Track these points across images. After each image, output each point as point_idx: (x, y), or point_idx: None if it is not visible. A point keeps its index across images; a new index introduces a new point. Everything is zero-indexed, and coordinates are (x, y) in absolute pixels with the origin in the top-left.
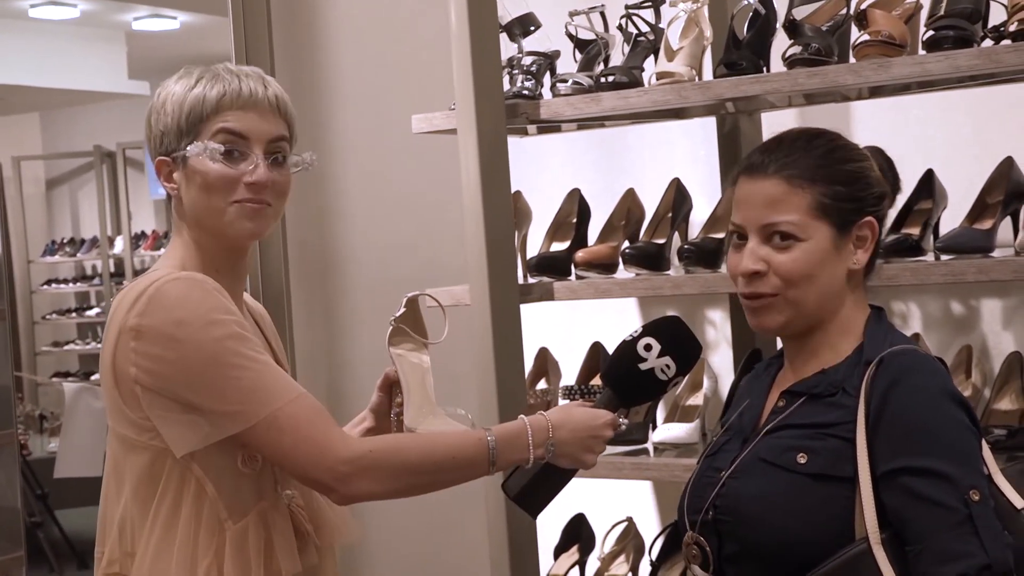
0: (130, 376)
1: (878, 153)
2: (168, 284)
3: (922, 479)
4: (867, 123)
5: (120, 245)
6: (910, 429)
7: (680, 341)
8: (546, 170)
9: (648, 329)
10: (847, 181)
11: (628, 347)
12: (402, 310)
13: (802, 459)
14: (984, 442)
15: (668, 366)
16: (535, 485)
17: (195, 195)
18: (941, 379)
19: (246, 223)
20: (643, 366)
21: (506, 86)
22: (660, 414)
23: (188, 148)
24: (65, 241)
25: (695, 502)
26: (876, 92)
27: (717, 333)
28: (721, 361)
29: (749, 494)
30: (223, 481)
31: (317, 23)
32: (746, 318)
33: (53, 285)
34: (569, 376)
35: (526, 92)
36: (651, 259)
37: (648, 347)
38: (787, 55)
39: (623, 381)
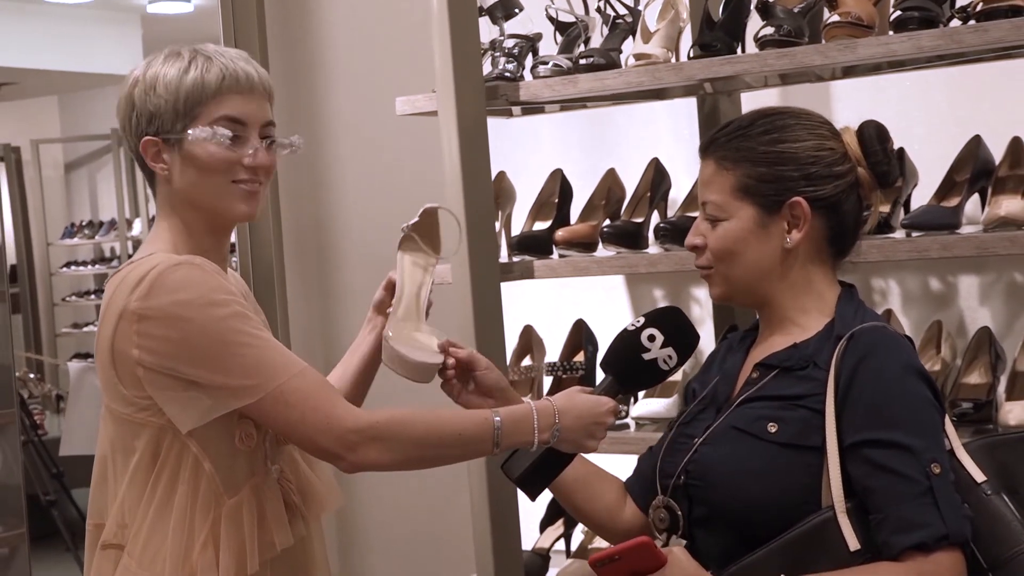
0: (132, 358)
1: (870, 126)
2: (169, 268)
3: (886, 451)
4: (845, 102)
5: (138, 227)
6: (876, 403)
7: (681, 332)
8: (531, 151)
9: (651, 320)
10: (773, 162)
11: (631, 337)
12: (415, 219)
13: (772, 428)
14: (948, 417)
15: (670, 356)
16: (537, 468)
17: (192, 176)
18: (907, 355)
19: (243, 204)
20: (646, 356)
21: (488, 68)
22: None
23: (190, 132)
24: (84, 224)
25: (667, 467)
26: (850, 72)
27: (702, 310)
28: (705, 336)
29: (721, 459)
30: (220, 458)
31: (307, 6)
32: None
33: (72, 268)
34: (554, 353)
35: (507, 74)
36: (629, 237)
37: (652, 337)
38: (759, 36)
39: (626, 370)
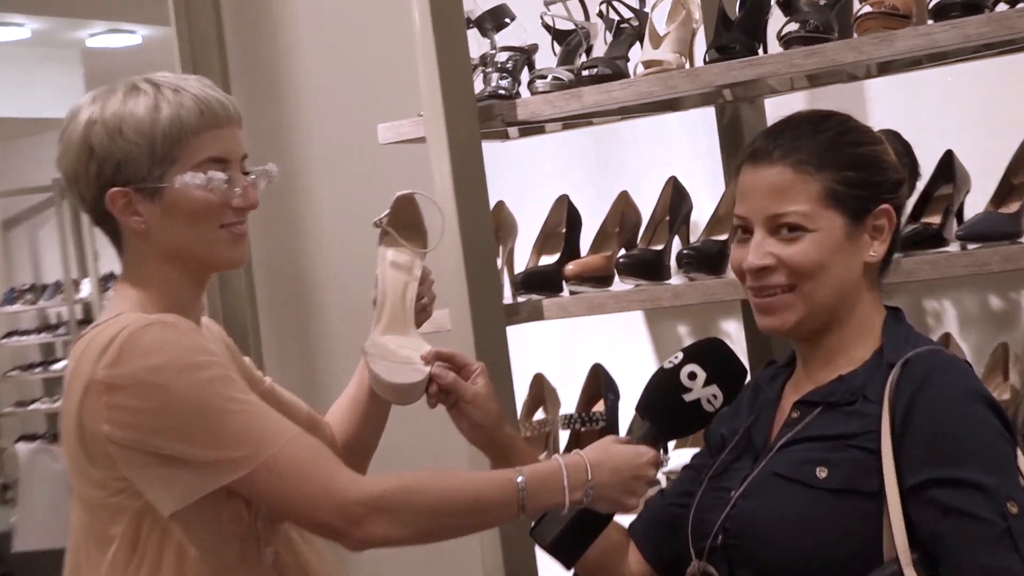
0: (101, 434)
1: (894, 137)
2: (140, 330)
3: (954, 491)
4: (882, 103)
5: (87, 289)
6: (939, 437)
7: (726, 366)
8: (532, 176)
9: (690, 355)
10: (860, 166)
11: (670, 376)
12: (387, 211)
13: (822, 473)
14: (1019, 451)
15: (715, 396)
16: (570, 532)
17: (179, 227)
18: (971, 381)
19: (234, 250)
20: (688, 397)
21: (480, 86)
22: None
23: (177, 179)
24: (25, 288)
25: (701, 527)
26: (885, 69)
27: (733, 345)
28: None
29: (764, 513)
30: (207, 542)
31: (272, 27)
32: (755, 320)
33: (15, 338)
34: (568, 403)
35: (502, 92)
36: (648, 267)
37: (692, 375)
38: (783, 34)
39: (665, 414)
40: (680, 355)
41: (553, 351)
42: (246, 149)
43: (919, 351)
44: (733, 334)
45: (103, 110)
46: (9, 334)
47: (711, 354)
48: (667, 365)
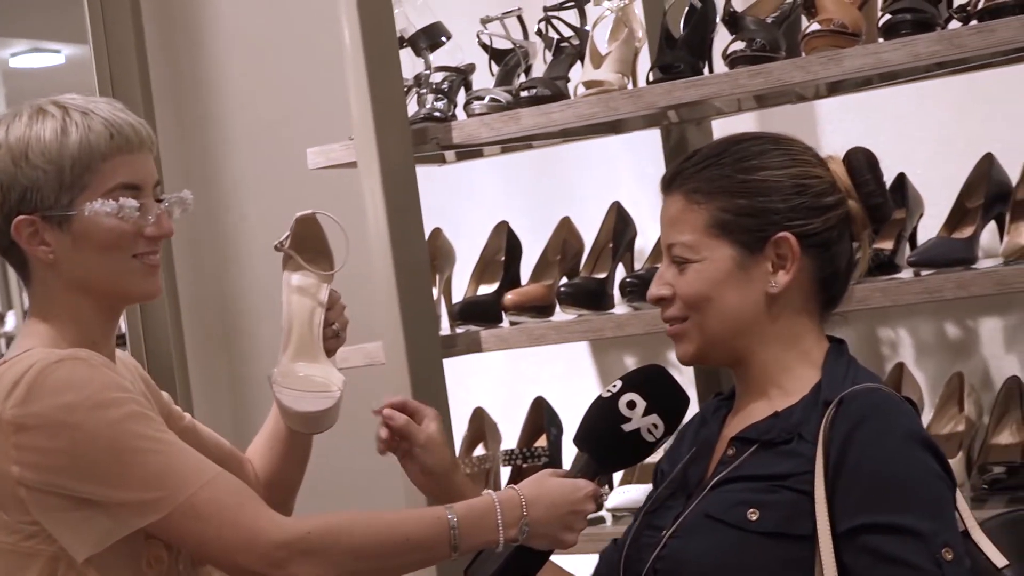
0: (12, 477)
1: (858, 153)
2: (50, 367)
3: (888, 537)
4: (834, 124)
5: (12, 322)
6: (874, 480)
7: (666, 394)
8: (470, 202)
9: (629, 383)
10: (753, 193)
11: (608, 405)
12: (287, 233)
13: (753, 515)
14: (959, 493)
15: (656, 425)
16: (505, 571)
17: (88, 257)
18: (908, 421)
19: (149, 281)
20: (627, 427)
21: (414, 108)
22: (616, 475)
23: (88, 207)
24: None
25: (633, 565)
26: (835, 89)
27: (683, 377)
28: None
29: (694, 555)
30: None
31: (197, 50)
32: None
33: None
34: (510, 439)
35: (437, 114)
36: (591, 297)
37: (631, 404)
38: (728, 53)
39: (604, 445)
40: (619, 383)
41: (494, 384)
42: (171, 173)
43: (856, 389)
44: (681, 365)
45: (7, 134)
46: None
47: (651, 382)
48: (605, 394)
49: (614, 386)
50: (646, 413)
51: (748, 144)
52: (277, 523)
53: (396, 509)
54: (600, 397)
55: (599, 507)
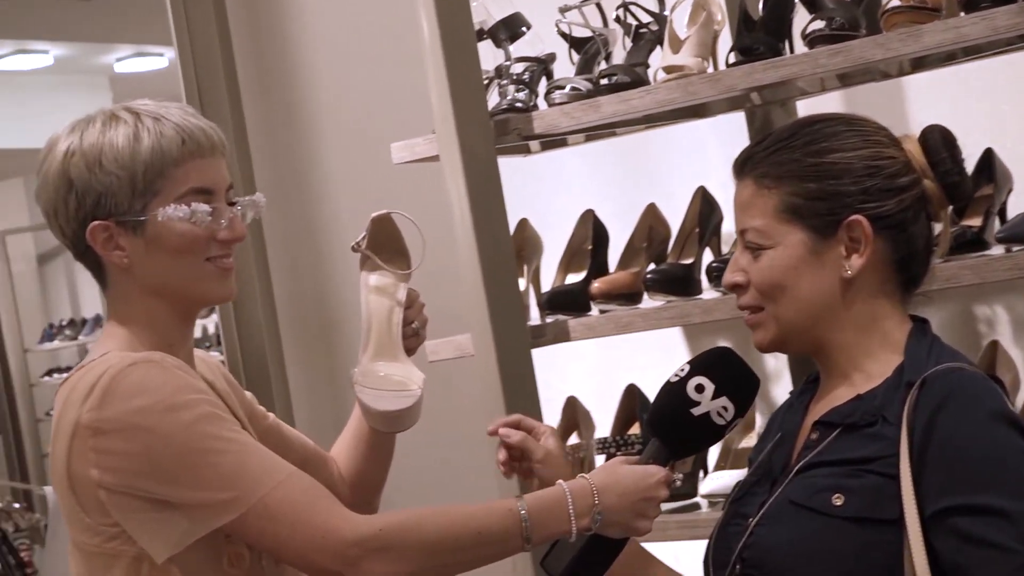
0: (92, 480)
1: (934, 132)
2: (123, 371)
3: (975, 518)
4: (921, 100)
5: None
6: (959, 460)
7: (735, 377)
8: (556, 191)
9: (697, 366)
10: (824, 176)
11: (676, 389)
12: (363, 234)
13: (838, 500)
14: None
15: (725, 408)
16: (582, 561)
17: (162, 261)
18: (993, 399)
19: (222, 284)
20: (696, 411)
21: (496, 99)
22: (711, 460)
23: (160, 212)
24: (64, 323)
25: (720, 555)
26: (919, 65)
27: (777, 361)
28: (783, 393)
29: (780, 543)
30: None
31: (282, 50)
32: None
33: (55, 376)
34: (603, 427)
35: (518, 104)
36: (678, 283)
37: (700, 388)
38: (807, 32)
39: (674, 430)
40: (686, 367)
41: (587, 373)
42: (262, 172)
43: (938, 369)
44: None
45: (82, 140)
46: (49, 372)
47: (719, 364)
48: (673, 379)
49: (682, 370)
50: (715, 396)
51: (820, 126)
52: (350, 521)
53: (466, 504)
54: (668, 382)
55: (671, 494)
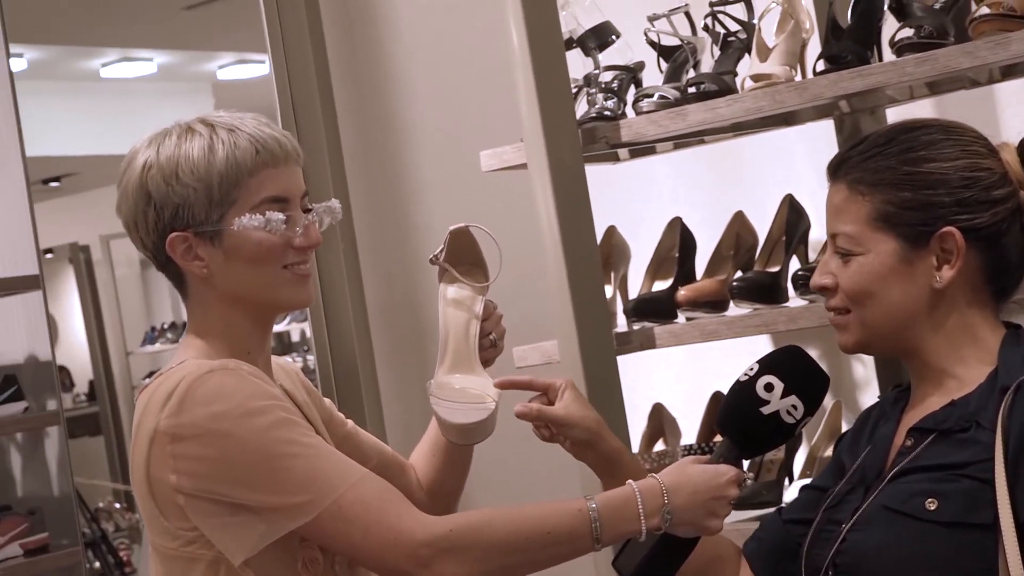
0: (170, 484)
1: None
2: (200, 378)
3: None
4: (1013, 108)
5: None
6: None
7: (805, 375)
8: (644, 199)
9: (766, 365)
10: (919, 186)
11: (745, 389)
12: (441, 246)
13: (932, 505)
14: None
15: (794, 407)
16: (652, 561)
17: (240, 269)
18: None
19: (300, 290)
20: (765, 410)
21: (584, 108)
22: (796, 468)
23: (236, 222)
24: (166, 326)
25: (813, 560)
26: (1009, 73)
27: (865, 368)
28: (869, 400)
29: (874, 548)
30: None
31: (374, 58)
32: None
33: None
34: (690, 434)
35: (607, 113)
36: (763, 291)
37: (769, 387)
38: (895, 40)
39: (743, 429)
40: (756, 366)
41: (673, 379)
42: (355, 180)
43: None
44: (865, 357)
45: (158, 154)
46: (151, 374)
47: (788, 363)
48: (742, 378)
49: (751, 369)
50: (784, 395)
51: (918, 133)
52: (421, 522)
53: (536, 502)
54: (738, 381)
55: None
